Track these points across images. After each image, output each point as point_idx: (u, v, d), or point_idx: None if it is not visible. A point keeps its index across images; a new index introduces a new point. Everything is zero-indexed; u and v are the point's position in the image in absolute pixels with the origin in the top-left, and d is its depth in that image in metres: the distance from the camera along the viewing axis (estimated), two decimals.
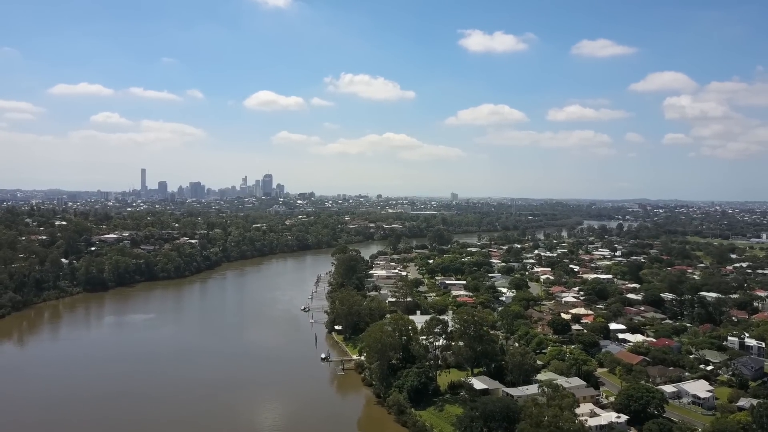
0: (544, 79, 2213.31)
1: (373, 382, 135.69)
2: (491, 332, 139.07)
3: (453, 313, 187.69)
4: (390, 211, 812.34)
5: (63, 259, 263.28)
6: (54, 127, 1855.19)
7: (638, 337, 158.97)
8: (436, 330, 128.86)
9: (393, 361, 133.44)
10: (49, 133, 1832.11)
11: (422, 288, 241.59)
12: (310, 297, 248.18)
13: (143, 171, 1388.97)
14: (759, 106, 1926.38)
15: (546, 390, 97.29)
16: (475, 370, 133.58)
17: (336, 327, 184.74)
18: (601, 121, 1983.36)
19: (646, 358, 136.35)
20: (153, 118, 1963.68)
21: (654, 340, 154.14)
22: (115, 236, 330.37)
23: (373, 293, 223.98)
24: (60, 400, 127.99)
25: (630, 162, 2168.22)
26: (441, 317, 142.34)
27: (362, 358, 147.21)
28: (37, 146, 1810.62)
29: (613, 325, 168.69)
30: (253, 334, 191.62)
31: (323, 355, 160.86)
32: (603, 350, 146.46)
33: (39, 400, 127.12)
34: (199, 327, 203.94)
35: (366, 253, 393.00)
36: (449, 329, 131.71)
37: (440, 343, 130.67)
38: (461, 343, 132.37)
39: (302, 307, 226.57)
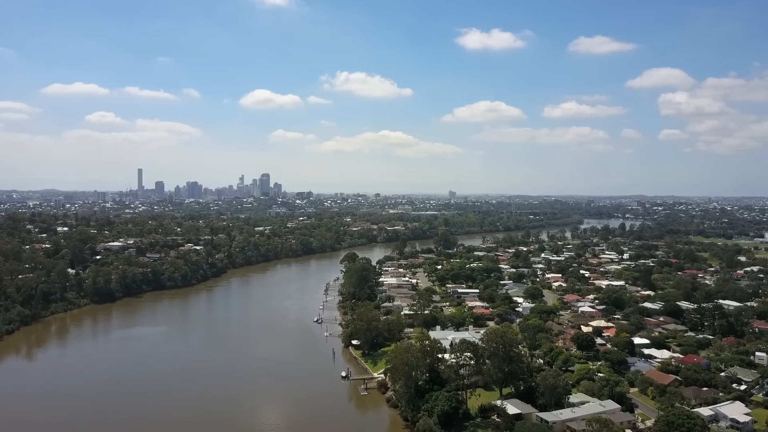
0: (541, 76, 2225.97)
1: (399, 404, 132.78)
2: (520, 350, 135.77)
3: (473, 328, 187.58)
4: (391, 211, 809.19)
5: (69, 270, 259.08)
6: (49, 126, 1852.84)
7: (664, 353, 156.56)
8: (466, 354, 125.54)
9: (419, 383, 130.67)
10: (44, 133, 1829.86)
11: (435, 297, 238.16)
12: (321, 307, 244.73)
13: (140, 171, 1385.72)
14: (755, 102, 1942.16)
15: (594, 425, 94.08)
16: (504, 391, 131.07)
17: (353, 342, 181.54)
18: (597, 118, 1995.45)
19: (678, 378, 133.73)
20: (149, 117, 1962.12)
21: (681, 356, 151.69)
22: (119, 244, 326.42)
23: (387, 304, 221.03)
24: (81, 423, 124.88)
25: (626, 158, 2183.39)
26: (470, 340, 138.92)
27: (385, 377, 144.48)
28: (32, 146, 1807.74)
29: (636, 340, 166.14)
30: (269, 349, 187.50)
31: (343, 374, 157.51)
32: (632, 368, 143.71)
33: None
34: (212, 341, 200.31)
35: (370, 255, 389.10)
36: (479, 352, 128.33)
37: (471, 364, 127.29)
38: (487, 361, 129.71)
39: (315, 319, 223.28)
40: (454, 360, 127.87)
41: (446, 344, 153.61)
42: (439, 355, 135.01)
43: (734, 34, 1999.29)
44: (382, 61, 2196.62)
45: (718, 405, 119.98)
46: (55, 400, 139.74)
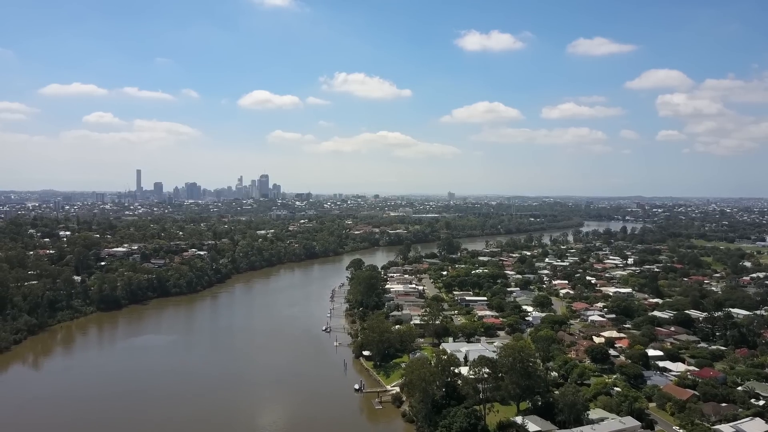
0: (540, 77, 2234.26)
1: (415, 419, 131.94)
2: (537, 364, 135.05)
3: (484, 339, 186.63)
4: (392, 214, 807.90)
5: (75, 277, 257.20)
6: (46, 127, 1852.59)
7: (680, 366, 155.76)
8: (485, 370, 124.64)
9: (436, 398, 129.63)
10: (41, 133, 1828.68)
11: (443, 305, 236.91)
12: (329, 314, 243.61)
13: (138, 172, 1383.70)
14: (753, 103, 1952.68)
15: None
16: (521, 405, 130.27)
17: (364, 352, 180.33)
18: (596, 119, 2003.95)
19: (696, 393, 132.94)
20: (147, 117, 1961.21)
21: (697, 370, 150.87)
22: (124, 250, 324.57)
23: (395, 313, 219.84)
24: None
25: (624, 159, 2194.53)
26: (488, 355, 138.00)
27: (400, 391, 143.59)
28: (30, 146, 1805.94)
29: (650, 351, 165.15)
30: (279, 359, 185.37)
31: (357, 386, 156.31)
32: (648, 382, 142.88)
33: None
34: (221, 350, 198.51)
35: (373, 259, 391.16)
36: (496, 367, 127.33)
37: (489, 379, 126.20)
38: (504, 376, 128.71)
39: (323, 327, 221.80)
40: (472, 375, 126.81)
41: (460, 356, 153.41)
42: (456, 370, 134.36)
43: (733, 35, 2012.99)
44: (382, 63, 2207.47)
45: (739, 422, 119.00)
46: (68, 412, 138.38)
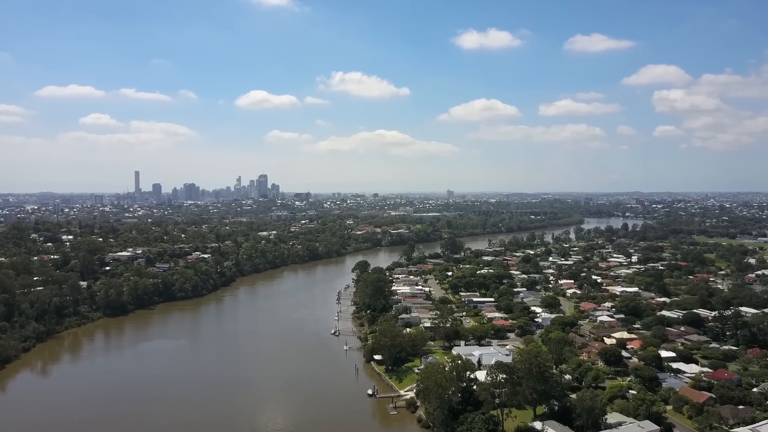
0: (538, 74, 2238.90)
1: (431, 424, 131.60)
2: (553, 368, 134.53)
3: (495, 341, 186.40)
4: (393, 213, 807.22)
5: (81, 282, 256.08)
6: (43, 129, 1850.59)
7: (693, 368, 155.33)
8: (502, 376, 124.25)
9: (452, 404, 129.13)
10: (38, 135, 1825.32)
11: (452, 307, 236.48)
12: (336, 317, 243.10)
13: (137, 173, 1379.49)
14: (751, 98, 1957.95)
15: None
16: (538, 409, 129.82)
17: (375, 357, 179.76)
18: (593, 115, 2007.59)
19: (712, 395, 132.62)
20: (144, 119, 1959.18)
21: (711, 371, 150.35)
22: (128, 254, 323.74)
23: (404, 316, 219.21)
24: None
25: (622, 155, 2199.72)
26: (503, 360, 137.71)
27: (416, 397, 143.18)
28: (27, 148, 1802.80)
29: (662, 353, 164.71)
30: (290, 364, 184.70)
31: (370, 391, 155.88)
32: (664, 385, 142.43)
33: None
34: (230, 356, 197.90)
35: (376, 260, 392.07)
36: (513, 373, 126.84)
37: (506, 385, 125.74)
38: (517, 377, 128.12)
39: (332, 331, 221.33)
40: (489, 380, 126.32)
41: (473, 360, 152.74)
42: (471, 375, 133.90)
43: (731, 31, 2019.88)
44: (379, 61, 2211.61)
45: (757, 425, 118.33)
46: (82, 418, 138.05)
